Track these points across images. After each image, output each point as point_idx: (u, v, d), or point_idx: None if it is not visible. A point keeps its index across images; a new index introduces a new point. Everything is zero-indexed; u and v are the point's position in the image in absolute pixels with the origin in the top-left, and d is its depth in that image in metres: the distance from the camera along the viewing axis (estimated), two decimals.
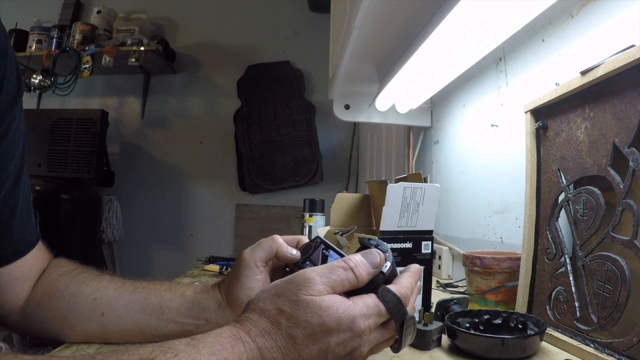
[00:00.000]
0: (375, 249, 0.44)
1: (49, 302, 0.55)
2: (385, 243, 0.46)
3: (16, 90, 0.54)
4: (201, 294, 0.56)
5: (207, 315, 0.54)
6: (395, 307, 0.41)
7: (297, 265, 0.52)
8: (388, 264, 0.43)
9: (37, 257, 0.58)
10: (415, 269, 0.46)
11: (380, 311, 0.40)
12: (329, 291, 0.39)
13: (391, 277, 0.44)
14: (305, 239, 0.55)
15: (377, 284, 0.42)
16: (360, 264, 0.42)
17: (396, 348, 0.43)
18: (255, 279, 0.53)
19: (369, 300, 0.40)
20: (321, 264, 0.49)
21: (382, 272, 0.43)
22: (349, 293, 0.41)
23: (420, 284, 0.47)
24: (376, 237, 0.47)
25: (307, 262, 0.51)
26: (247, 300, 0.52)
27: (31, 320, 0.55)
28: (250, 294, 0.52)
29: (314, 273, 0.40)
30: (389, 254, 0.44)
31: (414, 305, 0.46)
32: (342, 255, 0.48)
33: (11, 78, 0.53)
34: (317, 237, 0.52)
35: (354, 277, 0.41)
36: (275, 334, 0.38)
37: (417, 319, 0.63)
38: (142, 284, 0.57)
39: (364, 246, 0.46)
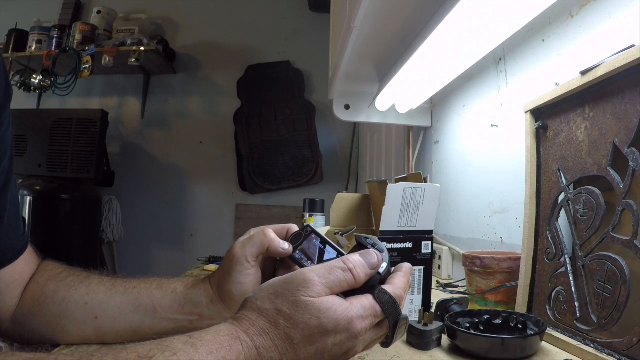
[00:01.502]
0: (373, 250, 0.44)
1: (40, 309, 0.54)
2: (381, 243, 0.46)
3: (5, 95, 0.53)
4: (192, 289, 0.56)
5: (200, 310, 0.54)
6: (390, 308, 0.41)
7: (289, 256, 0.52)
8: (385, 264, 0.44)
9: (27, 262, 0.57)
10: (407, 269, 0.46)
11: (376, 312, 0.41)
12: (327, 292, 0.40)
13: (386, 276, 0.44)
14: (295, 227, 0.55)
15: (373, 284, 0.42)
16: (359, 265, 0.42)
17: (386, 344, 0.44)
18: (246, 274, 0.53)
19: (366, 302, 0.41)
20: (317, 258, 0.49)
21: (378, 273, 0.43)
22: (346, 292, 0.41)
23: (410, 282, 0.47)
24: (373, 237, 0.47)
25: (299, 253, 0.50)
26: (239, 294, 0.52)
27: (24, 328, 0.55)
28: (242, 288, 0.52)
29: (312, 274, 0.40)
30: (386, 254, 0.45)
31: (405, 302, 0.47)
32: (338, 251, 0.48)
33: None
34: (308, 225, 0.52)
35: (352, 279, 0.41)
36: (273, 333, 0.38)
37: (415, 314, 0.63)
38: (132, 284, 0.56)
39: (360, 245, 0.46)
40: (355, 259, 0.42)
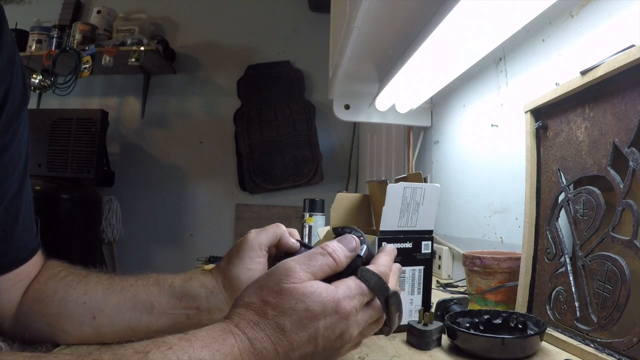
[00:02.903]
0: (350, 234, 0.45)
1: (39, 308, 0.54)
2: (358, 229, 0.47)
3: (22, 97, 0.53)
4: (190, 281, 0.56)
5: (198, 303, 0.54)
6: (376, 285, 0.42)
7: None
8: (364, 247, 0.45)
9: (35, 263, 0.58)
10: (389, 249, 0.47)
11: (362, 291, 0.41)
12: (310, 277, 0.40)
13: (369, 259, 0.45)
14: (295, 234, 0.57)
15: (356, 267, 0.43)
16: (338, 248, 0.43)
17: (387, 330, 0.44)
18: (257, 261, 0.54)
19: (350, 282, 0.41)
20: None
21: (359, 255, 0.44)
22: (330, 279, 0.42)
23: (399, 265, 0.48)
24: (349, 226, 0.48)
25: None
26: (246, 280, 0.53)
27: (25, 327, 0.55)
28: (250, 275, 0.53)
29: (293, 262, 0.41)
30: (364, 238, 0.46)
31: (396, 283, 0.47)
32: None
33: (17, 85, 0.52)
34: (299, 241, 0.56)
35: (333, 262, 0.42)
36: (263, 324, 0.39)
37: (415, 314, 0.63)
38: (129, 281, 0.56)
39: (338, 234, 0.47)
40: (334, 243, 0.43)
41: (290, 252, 0.55)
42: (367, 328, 0.43)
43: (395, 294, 0.42)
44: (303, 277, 0.40)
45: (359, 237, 0.45)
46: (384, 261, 0.45)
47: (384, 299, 0.42)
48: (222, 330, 0.38)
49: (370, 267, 0.43)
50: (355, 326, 0.41)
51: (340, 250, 0.43)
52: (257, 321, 0.39)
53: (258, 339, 0.38)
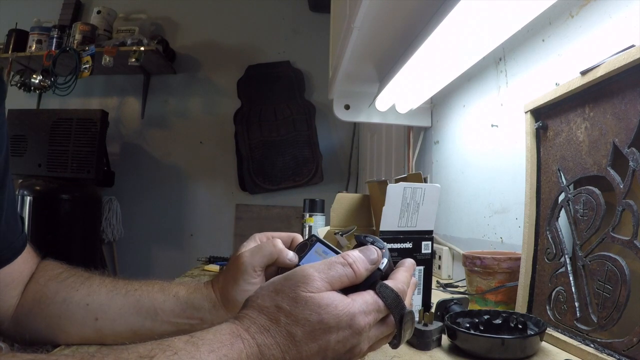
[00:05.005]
0: (372, 246, 0.44)
1: (40, 309, 0.54)
2: (381, 240, 0.46)
3: None
4: (194, 293, 0.56)
5: (202, 315, 0.54)
6: (393, 303, 0.41)
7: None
8: (385, 260, 0.44)
9: (26, 261, 0.57)
10: (409, 264, 0.46)
11: (379, 307, 0.40)
12: (328, 288, 0.39)
13: (387, 273, 0.44)
14: (299, 237, 0.55)
15: (374, 280, 0.42)
16: (359, 259, 0.42)
17: (395, 343, 0.43)
18: (253, 282, 0.53)
19: (368, 297, 0.40)
20: None
21: (379, 269, 0.43)
22: (347, 289, 0.41)
23: (416, 279, 0.47)
24: (372, 235, 0.47)
25: (304, 263, 0.51)
26: (243, 301, 0.52)
27: (24, 327, 0.55)
28: (247, 295, 0.52)
29: (312, 269, 0.40)
30: (386, 250, 0.45)
31: (411, 300, 0.46)
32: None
33: None
34: (313, 235, 0.53)
35: (352, 273, 0.41)
36: (274, 331, 0.38)
37: (415, 314, 0.63)
38: (134, 286, 0.56)
39: (360, 243, 0.46)
40: (355, 254, 0.42)
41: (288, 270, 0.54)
42: (376, 342, 0.42)
43: (411, 313, 0.42)
44: (320, 286, 0.39)
45: (380, 248, 0.44)
46: (403, 277, 0.43)
47: (399, 317, 0.41)
48: (231, 334, 0.37)
49: (389, 282, 0.42)
50: (366, 341, 0.40)
51: (361, 262, 0.41)
52: (268, 327, 0.38)
53: (267, 345, 0.37)
